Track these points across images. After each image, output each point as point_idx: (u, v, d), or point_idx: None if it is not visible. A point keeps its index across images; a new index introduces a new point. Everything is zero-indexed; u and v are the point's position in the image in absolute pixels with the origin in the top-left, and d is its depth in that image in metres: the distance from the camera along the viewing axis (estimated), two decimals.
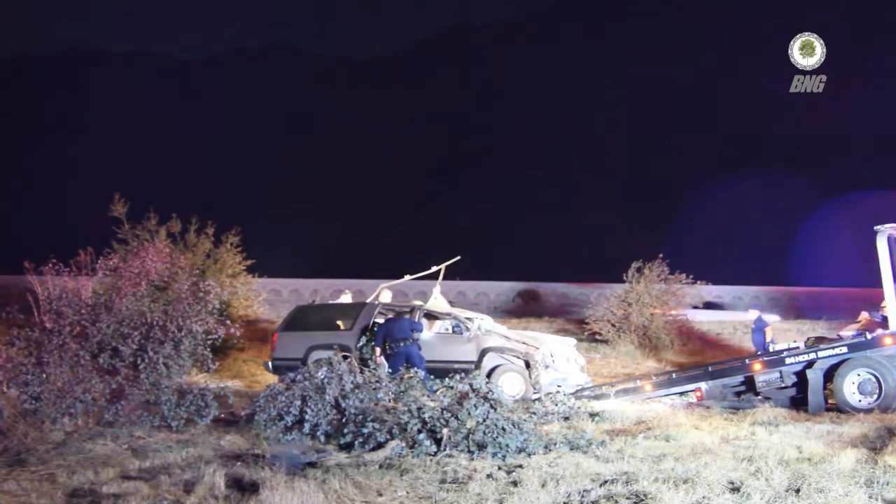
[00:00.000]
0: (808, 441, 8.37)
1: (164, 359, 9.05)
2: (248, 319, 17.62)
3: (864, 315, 14.69)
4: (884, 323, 13.45)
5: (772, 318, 15.69)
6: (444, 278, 14.87)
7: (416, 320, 12.40)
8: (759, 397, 11.26)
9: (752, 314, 15.23)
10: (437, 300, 13.87)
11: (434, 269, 14.75)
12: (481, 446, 7.91)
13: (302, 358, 12.24)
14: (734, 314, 23.71)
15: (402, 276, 15.07)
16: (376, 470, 7.21)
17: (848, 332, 14.79)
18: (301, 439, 8.67)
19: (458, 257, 14.97)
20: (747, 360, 11.84)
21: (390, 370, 11.11)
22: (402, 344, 11.76)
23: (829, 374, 10.83)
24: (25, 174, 67.09)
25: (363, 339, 12.52)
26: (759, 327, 14.64)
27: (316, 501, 6.20)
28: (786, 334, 17.90)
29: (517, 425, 8.34)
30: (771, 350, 14.14)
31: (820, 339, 14.81)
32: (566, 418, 10.14)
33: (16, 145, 71.14)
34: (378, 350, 11.90)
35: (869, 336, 10.94)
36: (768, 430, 9.19)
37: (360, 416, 8.59)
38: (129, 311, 9.20)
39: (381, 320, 12.78)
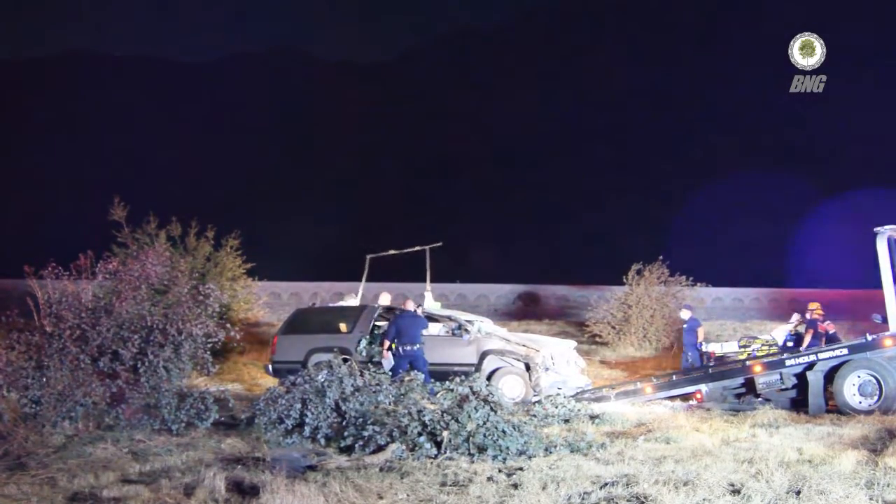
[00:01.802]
0: (809, 443, 8.38)
1: (164, 362, 9.06)
2: (249, 322, 17.62)
3: (797, 316, 14.74)
4: (813, 325, 13.52)
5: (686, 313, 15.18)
6: (447, 281, 15.21)
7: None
8: (760, 399, 11.26)
9: (685, 314, 14.76)
10: (429, 303, 13.93)
11: (418, 248, 15.42)
12: (482, 449, 7.91)
13: (302, 361, 12.22)
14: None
15: (388, 251, 15.46)
16: (377, 473, 7.21)
17: (780, 332, 14.92)
18: (301, 442, 8.68)
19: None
20: (748, 362, 11.84)
21: (391, 371, 11.11)
22: (409, 347, 11.72)
23: (830, 376, 10.83)
24: (25, 177, 67.03)
25: (363, 342, 12.52)
26: (691, 327, 14.45)
27: None
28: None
29: (517, 428, 8.34)
30: (703, 350, 14.18)
31: (752, 339, 14.93)
32: (566, 421, 10.15)
33: (15, 148, 71.12)
34: (387, 343, 11.87)
35: (869, 338, 10.95)
36: (769, 431, 9.19)
37: (361, 419, 8.59)
38: (129, 314, 9.21)
39: (381, 323, 12.78)
